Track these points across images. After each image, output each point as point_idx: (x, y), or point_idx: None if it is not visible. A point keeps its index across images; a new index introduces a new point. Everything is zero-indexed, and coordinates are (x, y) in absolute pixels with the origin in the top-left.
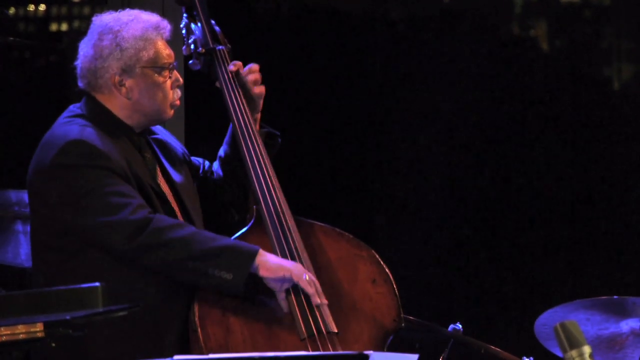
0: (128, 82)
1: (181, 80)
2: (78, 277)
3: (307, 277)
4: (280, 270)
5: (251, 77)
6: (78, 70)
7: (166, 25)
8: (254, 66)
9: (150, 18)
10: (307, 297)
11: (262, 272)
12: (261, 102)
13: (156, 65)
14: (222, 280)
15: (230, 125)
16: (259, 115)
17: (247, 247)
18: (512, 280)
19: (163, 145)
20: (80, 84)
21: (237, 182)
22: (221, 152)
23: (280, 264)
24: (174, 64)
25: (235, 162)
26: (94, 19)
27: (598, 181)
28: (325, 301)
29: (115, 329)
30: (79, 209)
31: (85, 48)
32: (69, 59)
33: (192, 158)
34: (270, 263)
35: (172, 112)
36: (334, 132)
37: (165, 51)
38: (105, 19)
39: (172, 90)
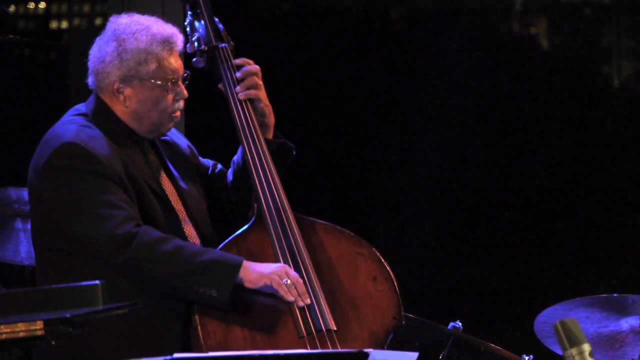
0: (126, 91)
1: (186, 93)
2: (79, 274)
3: (288, 282)
4: (261, 279)
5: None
6: (89, 66)
7: (178, 39)
8: (250, 68)
9: (161, 30)
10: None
11: (247, 284)
12: (264, 108)
13: (157, 79)
14: (207, 296)
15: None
16: (271, 121)
17: (231, 260)
18: (512, 278)
19: (169, 146)
20: (89, 80)
21: (244, 191)
22: (234, 158)
23: (261, 273)
24: (184, 75)
25: (244, 173)
26: (110, 18)
27: (598, 179)
28: (308, 301)
29: (115, 327)
30: (67, 213)
31: (96, 47)
32: (69, 56)
33: (202, 159)
34: (252, 274)
35: (171, 124)
36: (333, 130)
37: (171, 66)
38: (119, 23)
39: (173, 103)
